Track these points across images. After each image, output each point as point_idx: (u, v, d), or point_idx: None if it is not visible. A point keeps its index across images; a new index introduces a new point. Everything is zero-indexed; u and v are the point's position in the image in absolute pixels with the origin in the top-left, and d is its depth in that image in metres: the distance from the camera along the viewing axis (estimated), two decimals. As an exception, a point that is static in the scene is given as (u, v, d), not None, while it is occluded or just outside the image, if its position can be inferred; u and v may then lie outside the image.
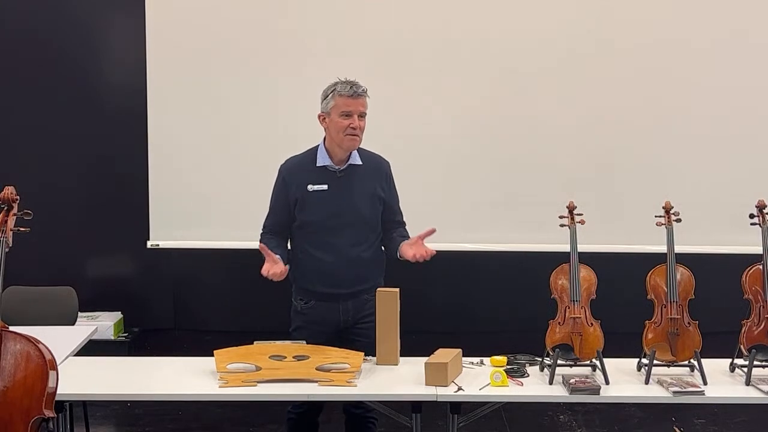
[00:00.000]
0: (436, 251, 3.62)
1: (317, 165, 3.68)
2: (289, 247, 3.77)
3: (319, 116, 3.70)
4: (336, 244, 3.66)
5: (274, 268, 3.54)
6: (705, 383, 3.36)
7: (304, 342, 3.53)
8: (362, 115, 3.64)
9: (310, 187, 3.66)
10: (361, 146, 3.71)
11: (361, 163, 3.71)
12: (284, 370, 3.35)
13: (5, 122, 5.75)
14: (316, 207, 3.66)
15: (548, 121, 5.43)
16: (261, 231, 3.81)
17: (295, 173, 3.71)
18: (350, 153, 3.68)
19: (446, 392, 3.28)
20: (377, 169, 3.77)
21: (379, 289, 3.63)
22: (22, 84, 5.74)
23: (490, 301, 5.76)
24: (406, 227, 3.83)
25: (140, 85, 5.47)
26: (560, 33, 5.39)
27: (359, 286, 3.72)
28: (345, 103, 3.61)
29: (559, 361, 3.39)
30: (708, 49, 5.41)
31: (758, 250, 3.49)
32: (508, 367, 3.50)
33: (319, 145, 3.72)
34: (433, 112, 5.42)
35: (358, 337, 3.71)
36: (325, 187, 3.66)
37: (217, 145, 5.43)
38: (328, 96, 3.66)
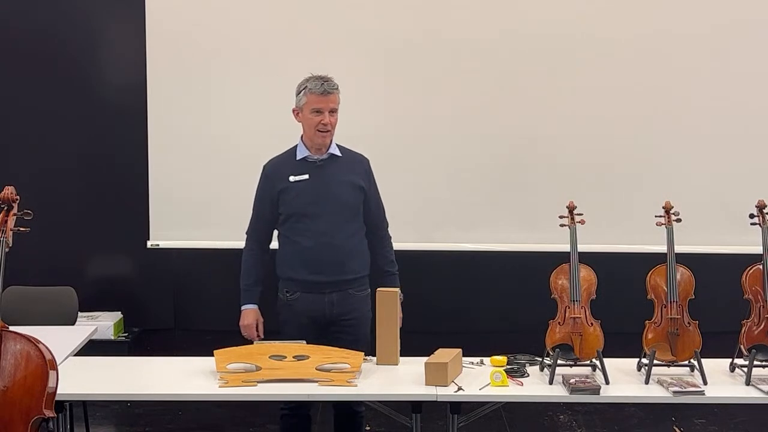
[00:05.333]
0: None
1: (297, 159, 3.78)
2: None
3: (293, 111, 3.79)
4: (317, 229, 3.72)
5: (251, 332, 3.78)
6: (705, 383, 3.36)
7: (304, 342, 3.53)
8: (333, 111, 3.72)
9: (291, 178, 3.76)
10: (343, 144, 3.82)
11: (340, 154, 3.80)
12: (284, 370, 3.36)
13: (5, 121, 5.73)
14: (298, 196, 3.75)
15: (548, 121, 5.42)
16: (246, 237, 3.90)
17: (278, 168, 3.82)
18: (329, 144, 3.77)
19: (446, 392, 3.28)
20: (357, 162, 3.87)
21: (379, 289, 3.64)
22: (23, 83, 5.72)
23: (490, 301, 5.75)
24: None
25: (140, 85, 5.46)
26: (560, 33, 5.38)
27: (342, 276, 3.75)
28: (316, 100, 3.70)
29: (559, 361, 3.39)
30: (709, 49, 5.40)
31: (758, 250, 3.49)
32: (508, 367, 3.50)
33: (298, 142, 3.82)
34: (432, 112, 5.41)
35: (341, 334, 3.72)
36: (306, 176, 3.75)
37: (218, 144, 5.42)
38: (300, 92, 3.75)
